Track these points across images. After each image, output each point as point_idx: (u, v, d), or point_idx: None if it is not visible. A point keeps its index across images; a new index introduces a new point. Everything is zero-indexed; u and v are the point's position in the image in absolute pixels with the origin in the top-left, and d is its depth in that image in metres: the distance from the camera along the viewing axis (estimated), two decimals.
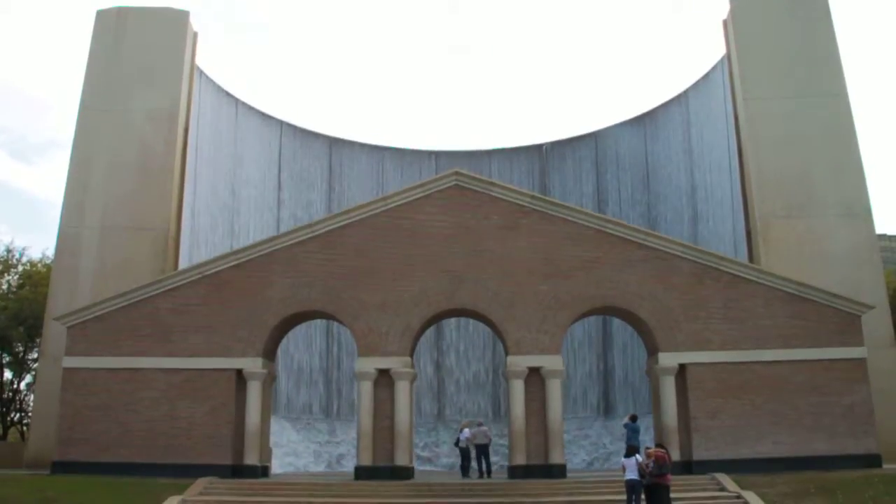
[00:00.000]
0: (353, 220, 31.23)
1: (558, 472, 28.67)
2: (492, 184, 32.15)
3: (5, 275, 50.04)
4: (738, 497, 24.40)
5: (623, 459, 22.54)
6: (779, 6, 39.87)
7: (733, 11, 40.09)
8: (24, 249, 51.55)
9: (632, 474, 21.83)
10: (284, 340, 34.48)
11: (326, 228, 31.23)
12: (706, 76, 44.33)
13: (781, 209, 36.96)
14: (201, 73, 42.48)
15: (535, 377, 29.71)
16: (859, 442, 28.62)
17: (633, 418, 31.60)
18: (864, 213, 36.86)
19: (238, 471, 29.16)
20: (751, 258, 36.77)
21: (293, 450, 42.64)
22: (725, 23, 40.65)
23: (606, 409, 47.33)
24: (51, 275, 39.57)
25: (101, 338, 30.47)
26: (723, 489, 25.50)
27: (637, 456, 22.11)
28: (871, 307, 30.61)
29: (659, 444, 23.61)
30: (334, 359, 48.17)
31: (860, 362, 29.43)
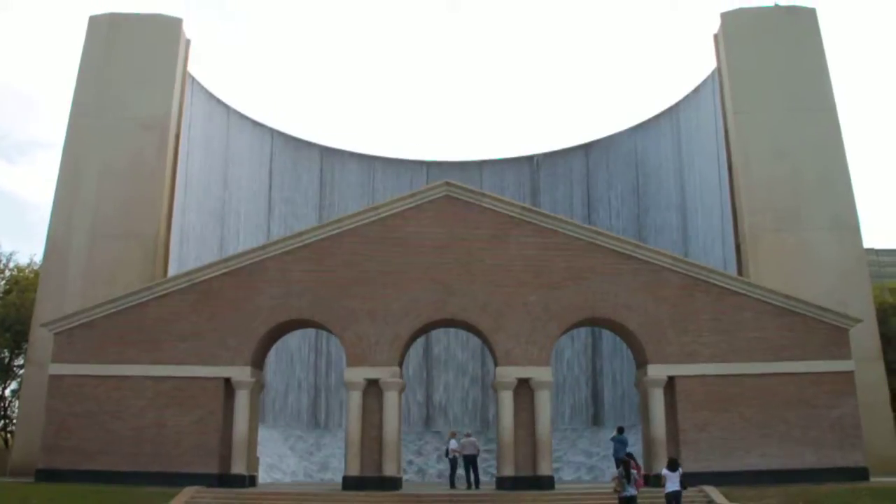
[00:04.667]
0: (344, 229, 31.20)
1: (546, 483, 28.62)
2: (482, 195, 32.20)
3: None
4: None
5: (665, 471, 22.73)
6: (769, 21, 40.21)
7: (724, 26, 40.38)
8: (11, 255, 51.09)
9: (672, 486, 22.25)
10: (273, 349, 34.36)
11: (317, 237, 31.18)
12: (697, 89, 44.61)
13: (770, 222, 37.17)
14: (193, 80, 42.43)
15: (523, 388, 29.68)
16: (847, 455, 28.71)
17: (621, 430, 31.62)
18: (852, 226, 37.12)
19: (225, 480, 28.98)
20: (740, 271, 36.92)
21: (281, 459, 42.42)
22: (716, 37, 40.93)
23: (595, 420, 47.31)
24: (38, 280, 39.33)
25: (89, 345, 30.31)
26: (711, 502, 25.52)
27: (680, 469, 22.60)
28: (858, 320, 30.77)
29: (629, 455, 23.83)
30: (323, 368, 48.04)
31: (848, 375, 29.55)
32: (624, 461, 22.21)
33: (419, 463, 45.13)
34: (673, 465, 22.83)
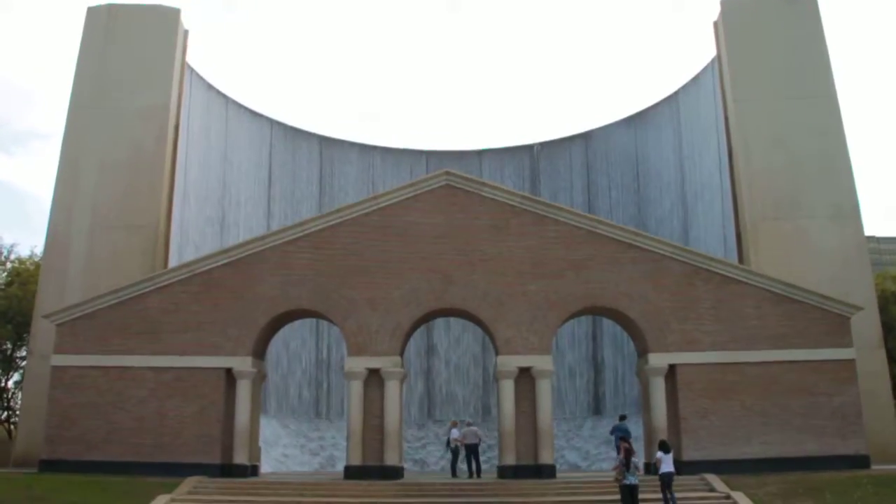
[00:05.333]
0: (344, 219, 31.19)
1: (548, 472, 28.70)
2: (482, 184, 32.17)
3: None
4: (728, 497, 24.48)
5: (659, 454, 22.94)
6: (769, 8, 40.01)
7: (724, 13, 40.21)
8: (12, 247, 51.11)
9: (667, 467, 22.53)
10: (274, 339, 34.41)
11: (317, 227, 31.18)
12: (696, 77, 44.48)
13: (771, 210, 37.11)
14: (192, 70, 42.34)
15: (524, 377, 29.72)
16: (848, 443, 28.74)
17: (622, 418, 31.58)
18: (853, 214, 37.04)
19: (227, 470, 29.07)
20: (740, 259, 36.89)
21: (282, 449, 42.54)
22: (716, 24, 40.78)
23: (596, 409, 47.43)
24: (40, 272, 39.35)
25: (91, 336, 30.34)
26: (712, 489, 25.57)
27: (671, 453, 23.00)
28: (860, 308, 30.74)
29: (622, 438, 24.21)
30: (324, 358, 48.12)
31: (849, 363, 29.55)
32: (626, 449, 22.27)
33: (421, 452, 45.22)
34: (665, 448, 23.05)
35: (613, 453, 32.18)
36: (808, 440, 28.74)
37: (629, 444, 22.58)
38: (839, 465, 27.80)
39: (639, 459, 22.39)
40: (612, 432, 32.05)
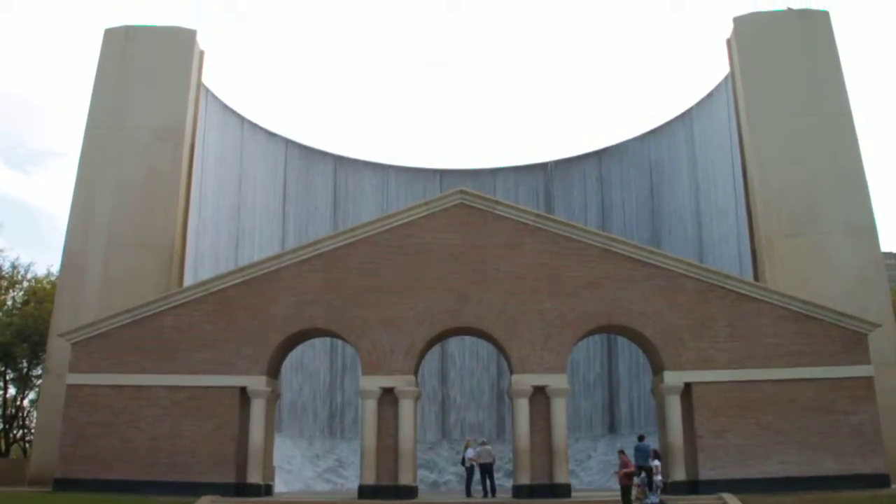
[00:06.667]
0: (358, 238, 31.25)
1: (563, 491, 28.47)
2: (496, 202, 32.19)
3: (10, 291, 50.17)
4: None
5: (654, 462, 23.08)
6: (782, 25, 40.04)
7: (736, 31, 40.24)
8: (29, 265, 51.61)
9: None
10: (288, 358, 34.42)
11: (331, 246, 31.25)
12: (710, 95, 44.47)
13: (786, 227, 36.93)
14: (207, 91, 42.69)
15: (539, 396, 29.58)
16: (867, 461, 28.38)
17: (641, 438, 31.21)
18: (869, 230, 36.80)
19: (241, 489, 29.00)
20: (756, 276, 36.68)
21: (297, 468, 42.46)
22: (729, 42, 40.80)
23: (611, 427, 47.11)
24: (56, 291, 39.62)
25: (105, 354, 30.42)
26: None
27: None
28: (877, 325, 30.51)
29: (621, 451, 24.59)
30: (338, 377, 48.09)
31: (867, 381, 29.24)
32: (647, 468, 22.20)
33: (435, 472, 45.00)
34: (658, 457, 23.25)
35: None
36: (827, 459, 28.42)
37: (624, 452, 22.78)
38: (858, 484, 27.43)
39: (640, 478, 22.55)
40: (634, 455, 31.46)
